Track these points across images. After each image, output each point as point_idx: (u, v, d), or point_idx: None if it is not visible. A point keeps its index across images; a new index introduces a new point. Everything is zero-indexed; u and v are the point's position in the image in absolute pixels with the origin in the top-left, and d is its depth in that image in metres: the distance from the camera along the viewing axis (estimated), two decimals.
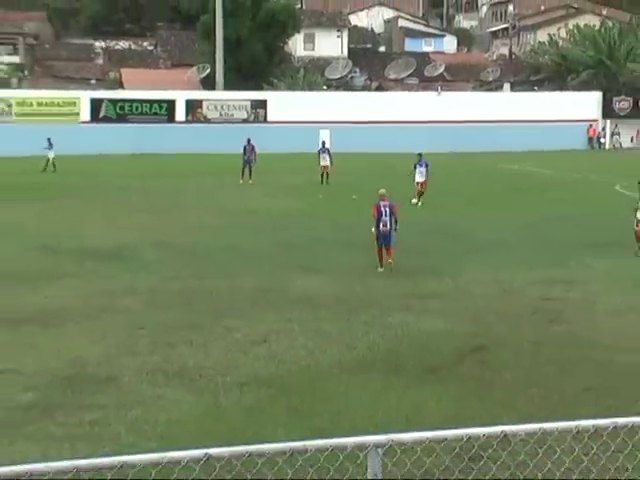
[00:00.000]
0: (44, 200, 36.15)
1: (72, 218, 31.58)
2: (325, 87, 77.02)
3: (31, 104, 65.52)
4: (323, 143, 46.02)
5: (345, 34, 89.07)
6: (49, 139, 49.92)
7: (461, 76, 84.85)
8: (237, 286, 20.59)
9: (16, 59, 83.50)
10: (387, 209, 22.67)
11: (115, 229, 29.10)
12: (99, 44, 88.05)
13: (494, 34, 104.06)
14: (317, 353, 15.05)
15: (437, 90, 72.83)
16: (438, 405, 12.26)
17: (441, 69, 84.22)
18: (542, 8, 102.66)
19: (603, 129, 73.48)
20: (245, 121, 67.53)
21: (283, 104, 67.94)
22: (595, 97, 73.49)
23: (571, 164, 54.28)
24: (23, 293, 19.75)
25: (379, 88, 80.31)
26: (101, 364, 14.43)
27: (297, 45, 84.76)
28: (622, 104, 73.71)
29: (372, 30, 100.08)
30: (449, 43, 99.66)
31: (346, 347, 15.45)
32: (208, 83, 72.77)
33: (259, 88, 70.50)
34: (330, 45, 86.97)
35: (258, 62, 73.09)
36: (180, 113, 67.79)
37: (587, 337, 16.17)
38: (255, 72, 72.30)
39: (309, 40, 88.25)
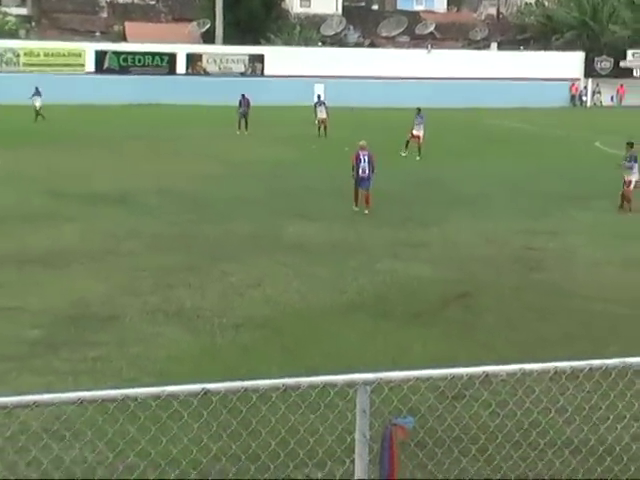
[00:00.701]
0: (49, 147, 35.98)
1: (77, 164, 31.46)
2: (320, 43, 76.47)
3: (38, 54, 65.03)
4: (319, 97, 45.75)
5: None
6: (37, 87, 49.50)
7: (450, 35, 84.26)
8: (234, 232, 20.59)
9: (24, 11, 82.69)
10: (366, 157, 24.29)
11: (119, 176, 29.01)
12: None
13: None
14: (309, 296, 15.07)
15: (427, 48, 72.37)
16: (423, 347, 12.31)
17: (431, 27, 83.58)
18: None
19: (585, 88, 73.25)
20: (243, 75, 67.16)
21: (280, 59, 67.55)
22: (578, 57, 73.18)
23: (554, 120, 54.12)
24: (29, 235, 19.72)
25: (371, 45, 79.75)
26: (104, 303, 14.44)
27: (294, 2, 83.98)
28: (603, 64, 73.44)
29: None
30: (439, 2, 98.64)
31: (337, 291, 15.48)
32: (208, 37, 72.22)
33: (257, 43, 69.98)
34: (325, 2, 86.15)
35: (256, 18, 72.44)
36: (181, 66, 67.41)
37: (566, 286, 16.22)
38: (253, 27, 71.68)
39: None
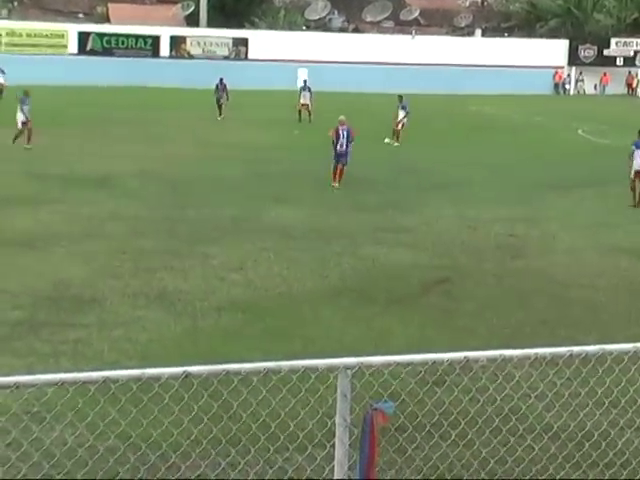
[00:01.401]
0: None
1: (57, 147, 31.29)
2: (304, 27, 76.25)
3: (20, 35, 64.57)
4: (304, 82, 45.48)
5: None
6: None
7: (435, 21, 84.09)
8: (215, 215, 20.56)
9: None
10: (345, 132, 25.26)
11: (100, 158, 28.88)
12: None
13: None
14: (291, 281, 15.08)
15: (411, 34, 72.28)
16: (404, 332, 12.35)
17: (416, 13, 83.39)
18: None
19: (568, 76, 73.37)
20: (226, 58, 66.91)
21: (264, 43, 67.34)
22: (562, 45, 73.25)
23: (537, 108, 54.21)
24: (9, 216, 19.63)
25: (356, 30, 79.52)
26: (85, 286, 14.40)
27: None
28: (587, 52, 73.54)
29: None
30: None
31: (319, 276, 15.50)
32: (192, 20, 71.85)
33: (241, 27, 69.72)
34: None
35: (240, 1, 72.09)
36: (164, 48, 67.11)
37: (546, 272, 16.29)
38: (237, 11, 71.37)
39: None
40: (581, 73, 73.49)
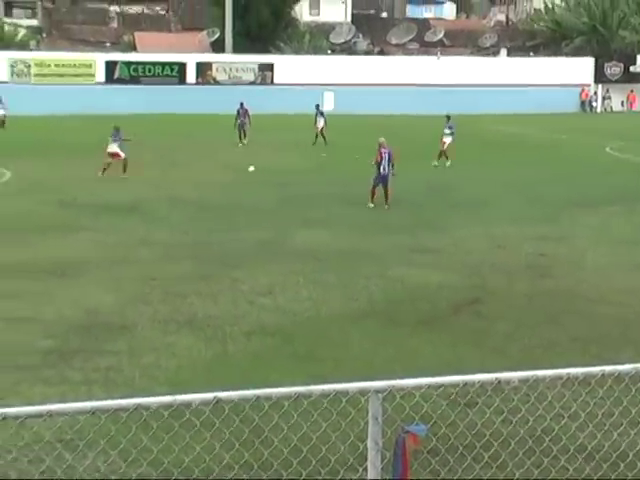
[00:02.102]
0: (60, 157, 36.05)
1: (88, 174, 31.49)
2: (329, 51, 76.49)
3: (49, 65, 65.19)
4: (317, 106, 45.30)
5: (349, 0, 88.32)
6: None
7: (460, 41, 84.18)
8: (244, 239, 20.59)
9: (35, 22, 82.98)
10: (387, 155, 25.34)
11: (129, 185, 29.06)
12: (113, 8, 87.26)
13: (492, 1, 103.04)
14: (320, 304, 15.06)
15: (437, 55, 72.35)
16: (434, 353, 12.28)
17: (441, 35, 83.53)
18: None
19: (595, 93, 73.10)
20: (252, 83, 67.18)
21: (289, 67, 67.59)
22: (588, 62, 73.01)
23: (565, 126, 54.03)
24: (41, 245, 19.75)
25: (381, 52, 79.72)
26: (115, 313, 14.46)
27: (303, 10, 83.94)
28: (613, 69, 73.26)
29: None
30: (449, 9, 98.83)
31: (348, 298, 15.47)
32: (218, 46, 72.26)
33: (266, 52, 70.02)
34: (334, 11, 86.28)
35: (265, 27, 72.48)
36: (191, 75, 67.48)
37: (576, 291, 16.18)
38: (262, 36, 71.73)
39: (314, 6, 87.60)
40: (608, 90, 73.21)
